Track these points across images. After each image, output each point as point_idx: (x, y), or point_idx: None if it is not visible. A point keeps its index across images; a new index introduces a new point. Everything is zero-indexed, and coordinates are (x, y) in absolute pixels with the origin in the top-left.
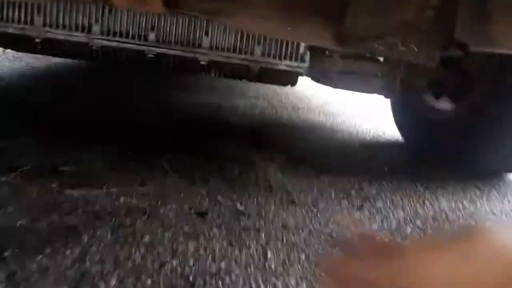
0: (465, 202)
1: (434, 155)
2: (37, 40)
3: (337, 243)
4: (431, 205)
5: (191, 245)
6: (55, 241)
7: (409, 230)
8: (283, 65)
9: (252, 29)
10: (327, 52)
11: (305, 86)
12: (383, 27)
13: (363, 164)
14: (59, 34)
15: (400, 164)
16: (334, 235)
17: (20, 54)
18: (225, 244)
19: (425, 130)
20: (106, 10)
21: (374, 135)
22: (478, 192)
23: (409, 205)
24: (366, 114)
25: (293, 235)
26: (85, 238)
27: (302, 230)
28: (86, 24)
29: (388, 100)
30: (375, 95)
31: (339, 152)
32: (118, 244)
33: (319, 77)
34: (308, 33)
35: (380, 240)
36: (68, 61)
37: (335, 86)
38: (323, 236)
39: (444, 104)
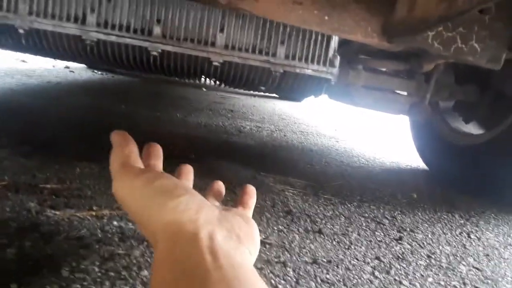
0: None
1: (462, 183)
2: (21, 31)
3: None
4: (478, 239)
5: None
6: (24, 275)
7: (463, 269)
8: (310, 69)
9: (280, 17)
10: (360, 56)
11: (311, 112)
12: (442, 11)
13: (389, 191)
14: (48, 25)
15: (428, 191)
16: (377, 273)
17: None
18: None
19: (451, 156)
20: None
21: (394, 161)
22: None
23: (454, 238)
24: (380, 139)
25: (328, 272)
26: (65, 272)
27: (338, 266)
28: (80, 14)
29: (406, 125)
30: (394, 117)
31: (360, 178)
32: (108, 280)
33: (339, 92)
34: (349, 24)
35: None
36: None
37: (356, 104)
38: (364, 276)
39: (473, 128)
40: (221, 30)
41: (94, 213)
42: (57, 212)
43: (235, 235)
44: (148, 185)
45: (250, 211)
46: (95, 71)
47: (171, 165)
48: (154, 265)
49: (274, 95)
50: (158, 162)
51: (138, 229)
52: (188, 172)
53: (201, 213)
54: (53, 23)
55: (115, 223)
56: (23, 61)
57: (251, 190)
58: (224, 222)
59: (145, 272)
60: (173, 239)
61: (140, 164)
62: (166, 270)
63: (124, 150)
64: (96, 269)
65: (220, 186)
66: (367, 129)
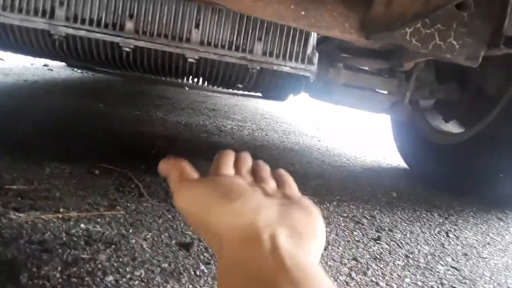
0: (492, 235)
1: (442, 182)
2: None
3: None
4: (457, 238)
5: None
6: None
7: (441, 269)
8: (288, 66)
9: (256, 12)
10: (340, 54)
11: (293, 111)
12: (419, 7)
13: (368, 190)
14: (14, 19)
15: (408, 190)
16: (354, 275)
17: None
18: (215, 286)
19: (432, 155)
20: None
21: (375, 160)
22: (501, 223)
23: (432, 237)
24: (361, 138)
25: None
26: (24, 278)
27: None
28: (48, 8)
29: (387, 124)
30: (376, 116)
31: (340, 177)
32: (69, 287)
33: (319, 91)
34: (326, 19)
35: None
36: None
37: (336, 103)
38: (341, 277)
39: (454, 127)
40: (197, 26)
41: (60, 216)
42: (21, 215)
43: (297, 233)
44: (205, 191)
45: (296, 189)
46: (75, 69)
47: (147, 165)
48: (219, 272)
49: (257, 94)
50: (228, 160)
51: (201, 236)
52: (247, 157)
53: (259, 214)
54: (20, 17)
55: (82, 225)
56: (1, 58)
57: (285, 172)
58: (285, 220)
59: (110, 278)
60: (236, 244)
61: (196, 176)
62: (232, 277)
63: (178, 167)
64: (57, 275)
65: (265, 164)
66: (349, 128)
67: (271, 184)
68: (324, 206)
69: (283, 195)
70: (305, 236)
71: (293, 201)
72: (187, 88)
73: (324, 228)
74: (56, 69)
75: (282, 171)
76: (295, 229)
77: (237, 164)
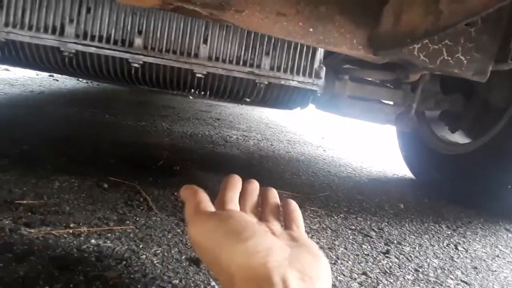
0: (500, 247)
1: (449, 192)
2: None
3: None
4: (466, 250)
5: None
6: None
7: (451, 283)
8: (295, 81)
9: (264, 29)
10: (346, 66)
11: (298, 120)
12: (429, 25)
13: (376, 201)
14: (24, 36)
15: (415, 201)
16: None
17: None
18: None
19: (438, 166)
20: (84, 8)
21: (381, 170)
22: (510, 235)
23: (441, 250)
24: (367, 148)
25: None
26: None
27: None
28: (58, 25)
29: (393, 134)
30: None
31: (347, 188)
32: None
33: (326, 103)
34: (334, 36)
35: None
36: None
37: (343, 114)
38: None
39: (460, 137)
40: (205, 41)
41: (71, 231)
42: (32, 230)
43: (307, 277)
44: (218, 227)
45: (303, 229)
46: (80, 79)
47: (155, 177)
48: None
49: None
50: (234, 193)
51: (211, 270)
52: (253, 190)
53: (271, 256)
54: (30, 34)
55: (92, 241)
56: (6, 69)
57: (296, 205)
58: (295, 263)
59: None
60: (247, 284)
61: (212, 209)
62: None
63: (196, 197)
64: None
65: (274, 196)
66: (355, 137)
67: (278, 225)
68: (332, 218)
69: (291, 236)
70: (314, 280)
71: (300, 243)
72: (191, 98)
73: (330, 273)
74: (61, 79)
75: (293, 206)
76: (306, 272)
77: (244, 196)
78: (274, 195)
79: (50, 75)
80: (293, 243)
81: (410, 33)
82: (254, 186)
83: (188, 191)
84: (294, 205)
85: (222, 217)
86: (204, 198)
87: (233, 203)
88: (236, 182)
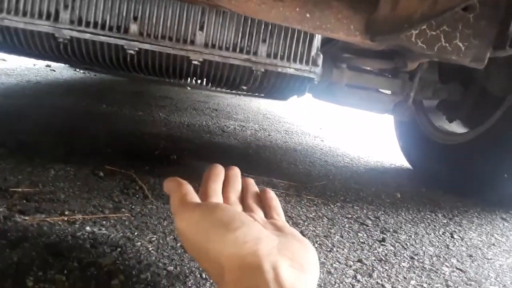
0: (496, 236)
1: (446, 182)
2: None
3: None
4: (461, 239)
5: None
6: None
7: (447, 271)
8: (292, 68)
9: (260, 15)
10: (343, 54)
11: (295, 110)
12: (426, 9)
13: (372, 190)
14: (19, 22)
15: (412, 191)
16: (360, 277)
17: None
18: None
19: (435, 155)
20: None
21: (378, 160)
22: (506, 224)
23: (437, 238)
24: (364, 138)
25: None
26: (30, 282)
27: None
28: (53, 11)
29: (390, 124)
30: (379, 116)
31: (344, 178)
32: None
33: (323, 91)
34: (331, 22)
35: None
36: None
37: (340, 103)
38: (346, 280)
39: (457, 127)
40: (201, 28)
41: (66, 218)
42: (27, 218)
43: (297, 264)
44: (206, 218)
45: (283, 217)
46: (77, 70)
47: (151, 166)
48: None
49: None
50: (217, 184)
51: (199, 263)
52: (235, 176)
53: (260, 244)
54: (25, 20)
55: (87, 228)
56: (3, 59)
57: (273, 194)
58: (285, 251)
59: (116, 281)
60: (237, 273)
61: (197, 200)
62: None
63: (181, 189)
64: (63, 278)
65: (254, 185)
66: (352, 127)
67: (262, 214)
68: (329, 207)
69: (275, 226)
70: (304, 267)
71: (286, 232)
72: (189, 88)
73: (317, 259)
74: (58, 69)
75: (271, 194)
76: (295, 259)
77: (227, 183)
78: (253, 184)
79: (47, 65)
80: (279, 232)
81: (408, 18)
82: (235, 172)
83: (172, 183)
84: (272, 193)
85: (209, 208)
86: (189, 190)
87: (216, 196)
88: (219, 172)
